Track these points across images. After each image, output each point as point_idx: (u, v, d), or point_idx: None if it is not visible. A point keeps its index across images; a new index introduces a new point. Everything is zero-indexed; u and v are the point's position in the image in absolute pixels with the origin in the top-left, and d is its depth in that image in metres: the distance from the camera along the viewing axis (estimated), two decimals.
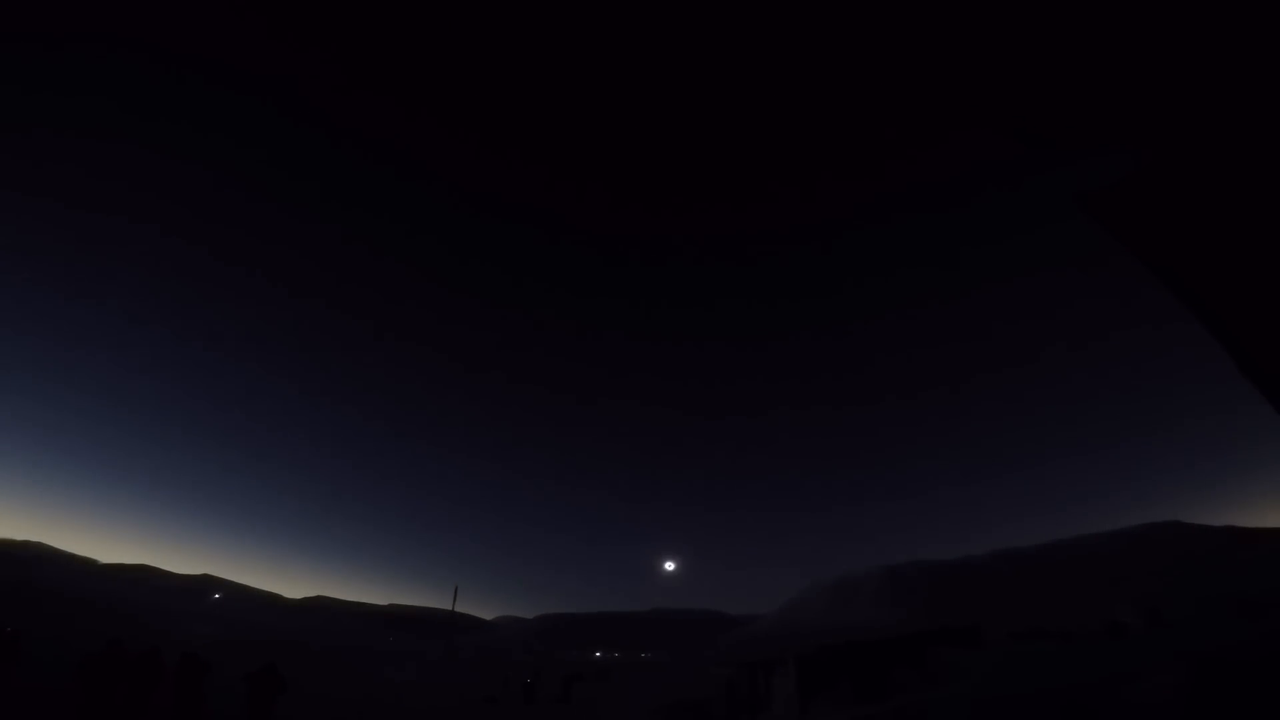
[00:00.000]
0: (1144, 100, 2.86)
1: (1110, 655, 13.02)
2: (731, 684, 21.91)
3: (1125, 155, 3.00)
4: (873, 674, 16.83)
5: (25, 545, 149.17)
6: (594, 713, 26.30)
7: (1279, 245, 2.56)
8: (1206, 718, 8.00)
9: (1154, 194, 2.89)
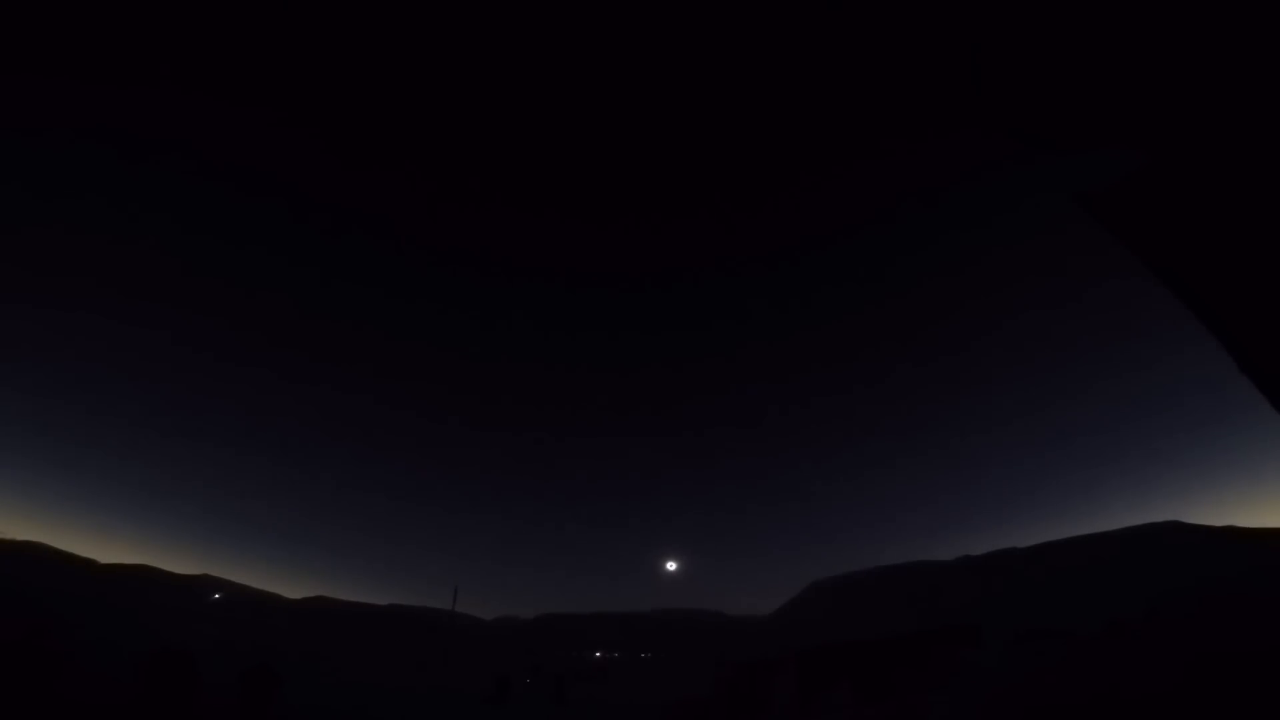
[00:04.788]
0: (1144, 100, 2.86)
1: (1110, 655, 13.03)
2: (731, 684, 21.91)
3: (1125, 155, 3.00)
4: (873, 674, 16.84)
5: (25, 545, 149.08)
6: (594, 713, 26.29)
7: (1279, 245, 2.56)
8: (1206, 718, 8.00)
9: (1154, 194, 2.89)
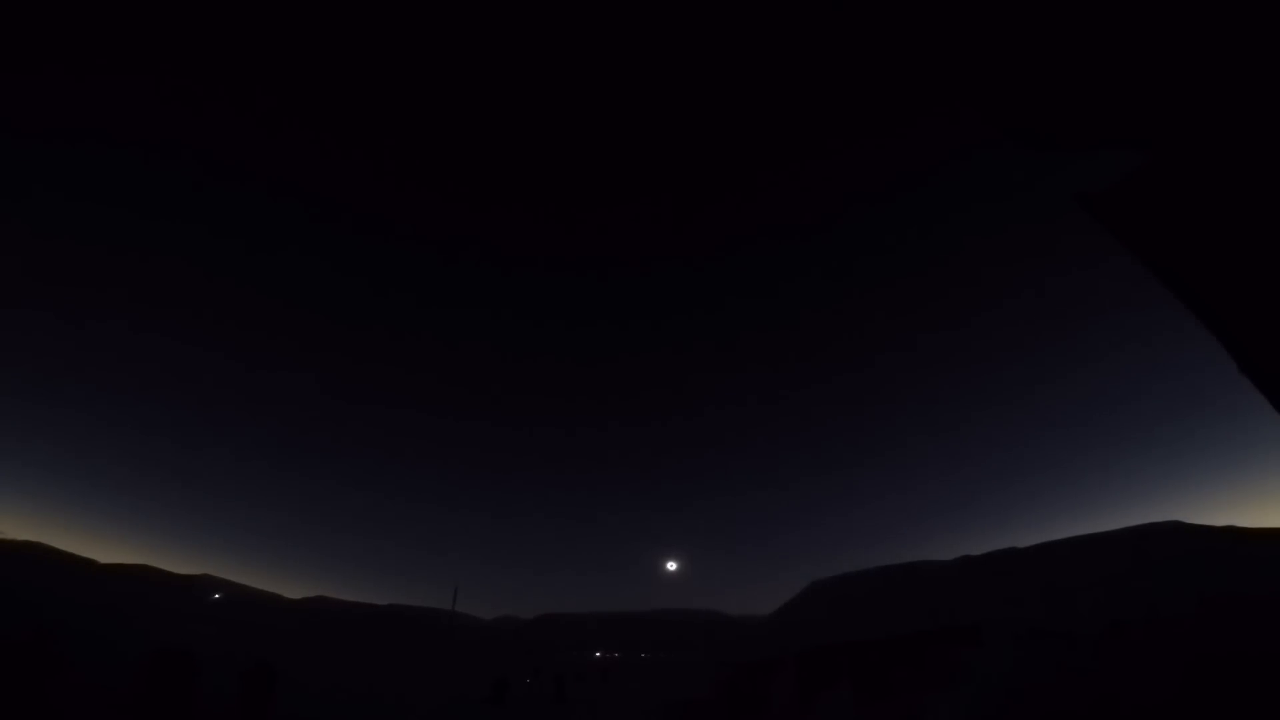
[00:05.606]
0: (1144, 100, 2.85)
1: (1110, 655, 13.01)
2: (731, 684, 21.89)
3: (1125, 155, 2.99)
4: (873, 674, 16.82)
5: (25, 545, 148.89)
6: (593, 713, 26.27)
7: (1279, 245, 2.56)
8: (1206, 718, 7.99)
9: (1154, 194, 2.88)
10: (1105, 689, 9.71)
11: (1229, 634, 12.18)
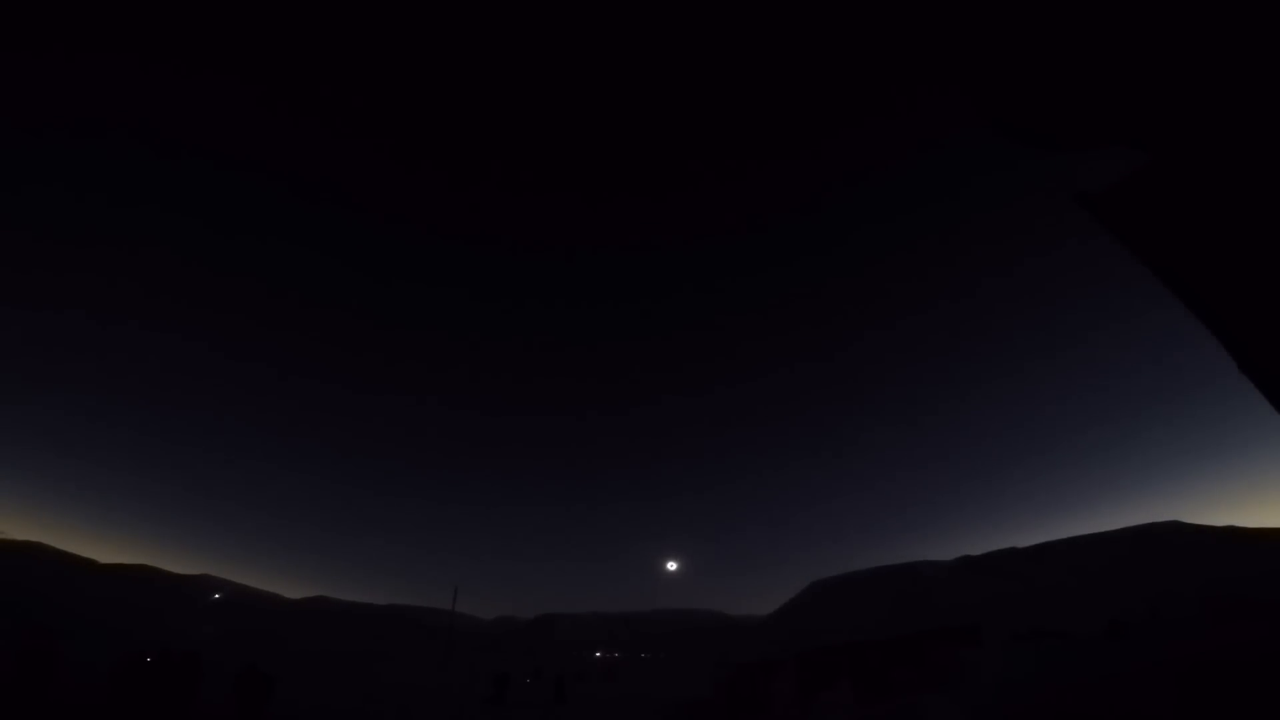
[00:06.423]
0: (1144, 100, 2.85)
1: (1110, 655, 13.02)
2: (731, 684, 21.87)
3: (1125, 155, 2.99)
4: (873, 674, 16.81)
5: (26, 545, 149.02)
6: (593, 713, 26.27)
7: (1279, 245, 2.56)
8: (1206, 718, 7.99)
9: (1154, 194, 2.88)
10: (1105, 689, 9.71)
11: (1229, 634, 12.18)
